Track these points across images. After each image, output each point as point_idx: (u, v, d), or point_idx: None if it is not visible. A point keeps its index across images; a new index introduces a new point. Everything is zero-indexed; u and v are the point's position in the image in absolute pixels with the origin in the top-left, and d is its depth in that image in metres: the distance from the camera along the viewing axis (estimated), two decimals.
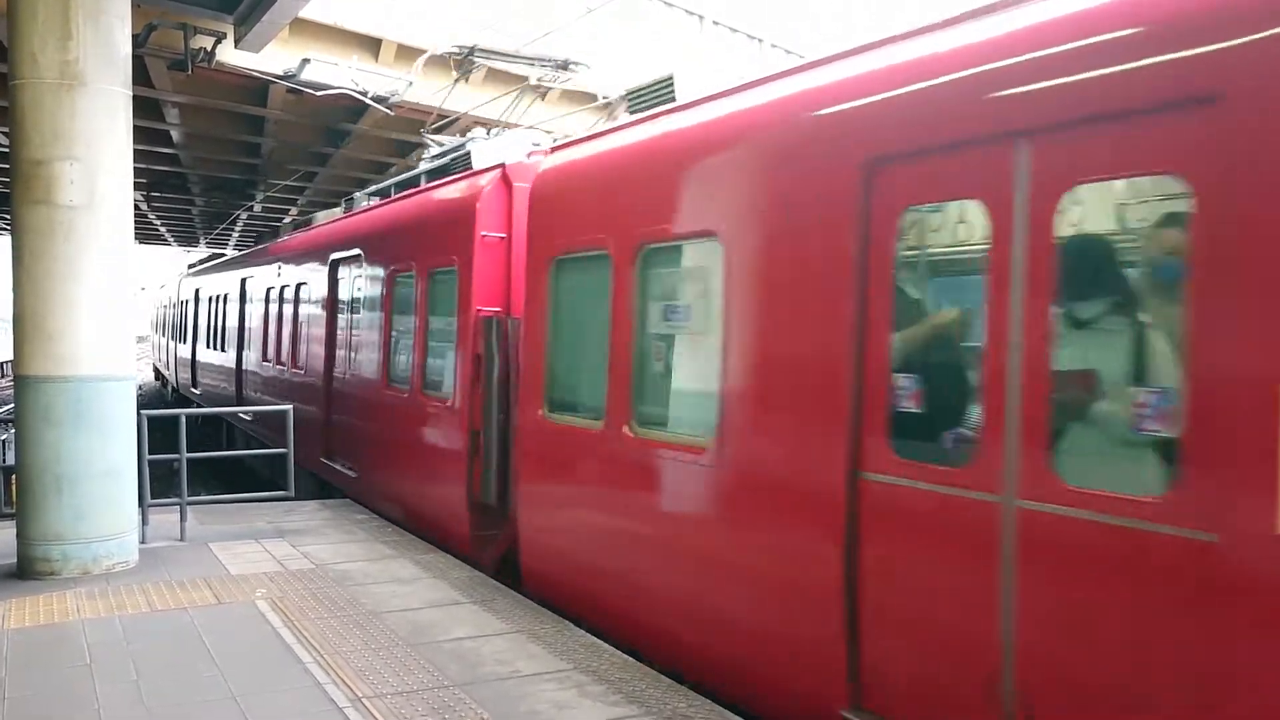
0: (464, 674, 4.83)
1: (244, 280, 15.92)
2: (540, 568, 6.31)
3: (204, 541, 7.71)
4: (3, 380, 37.22)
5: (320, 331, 11.05)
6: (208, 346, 19.44)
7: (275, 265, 13.85)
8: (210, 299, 19.52)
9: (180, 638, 5.34)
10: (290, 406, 9.12)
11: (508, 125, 14.60)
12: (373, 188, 11.67)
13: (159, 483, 8.45)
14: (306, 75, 13.39)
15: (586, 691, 4.62)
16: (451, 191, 8.17)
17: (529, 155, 7.58)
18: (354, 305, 10.18)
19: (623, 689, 4.65)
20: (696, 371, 5.07)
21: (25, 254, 6.53)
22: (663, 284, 5.34)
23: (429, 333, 8.18)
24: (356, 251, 10.09)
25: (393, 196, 10.18)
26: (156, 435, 7.92)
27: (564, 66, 10.02)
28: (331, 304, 10.83)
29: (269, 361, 13.75)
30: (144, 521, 7.58)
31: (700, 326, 5.02)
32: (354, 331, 10.08)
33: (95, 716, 4.29)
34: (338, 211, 13.17)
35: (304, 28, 13.19)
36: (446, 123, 16.72)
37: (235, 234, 35.14)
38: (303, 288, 12.16)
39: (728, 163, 4.83)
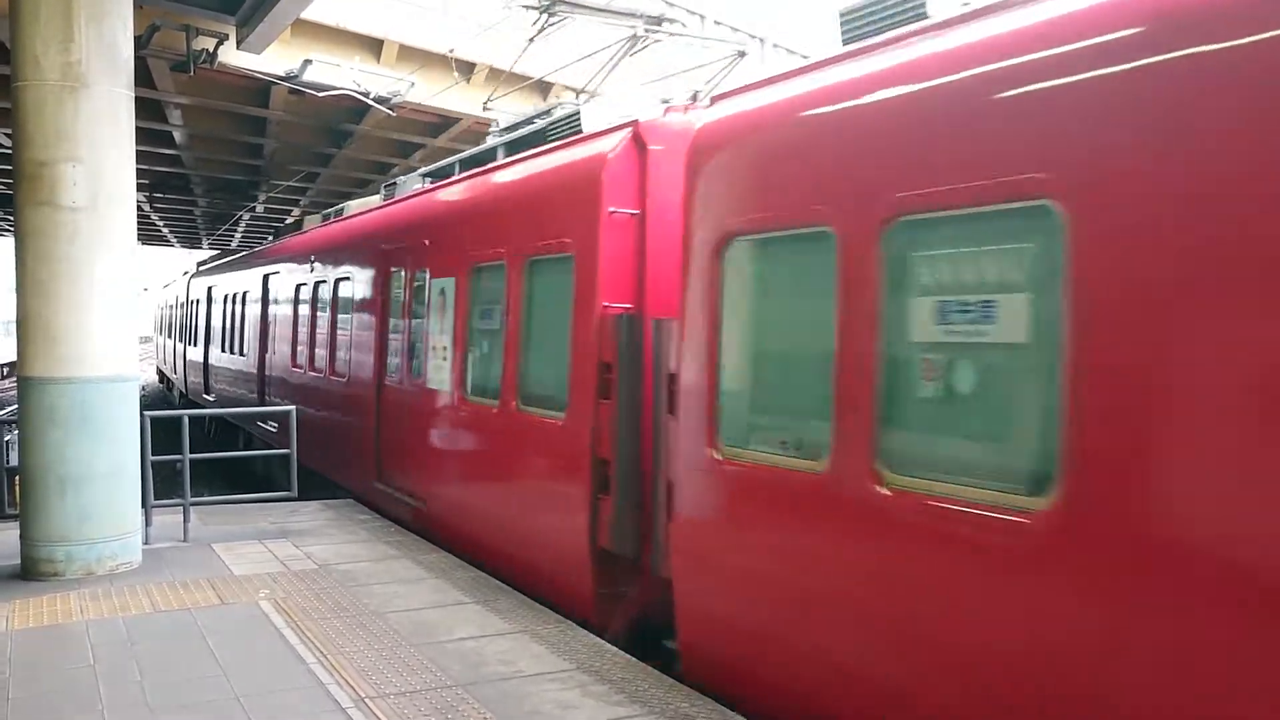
0: (467, 674, 4.83)
1: (267, 277, 14.44)
2: (713, 652, 4.79)
3: (207, 542, 7.72)
4: (7, 382, 37.28)
5: (368, 335, 9.56)
6: (223, 350, 17.68)
7: (307, 260, 12.36)
8: (226, 298, 17.77)
9: (184, 638, 5.35)
10: (293, 407, 9.10)
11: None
12: (425, 169, 10.32)
13: (164, 484, 8.47)
14: (308, 76, 13.42)
15: (589, 691, 4.62)
16: (560, 160, 6.60)
17: (665, 112, 6.07)
18: (415, 303, 8.61)
19: (625, 689, 4.65)
20: (1015, 400, 3.55)
21: (29, 255, 6.55)
22: (937, 271, 3.81)
23: (527, 335, 6.69)
24: (422, 240, 8.50)
25: (459, 175, 8.63)
26: (161, 436, 7.92)
27: (658, 22, 9.01)
28: (382, 302, 9.32)
29: (299, 367, 12.20)
30: (147, 522, 7.59)
31: (1018, 332, 3.45)
32: (415, 333, 8.56)
33: (99, 717, 4.30)
34: (374, 199, 11.94)
35: (306, 29, 13.23)
36: (449, 124, 16.77)
37: (238, 234, 35.23)
38: (344, 284, 10.64)
39: (1079, 89, 3.20)
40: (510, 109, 10.35)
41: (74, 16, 6.43)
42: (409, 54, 14.26)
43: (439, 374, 7.88)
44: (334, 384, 10.66)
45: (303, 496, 9.19)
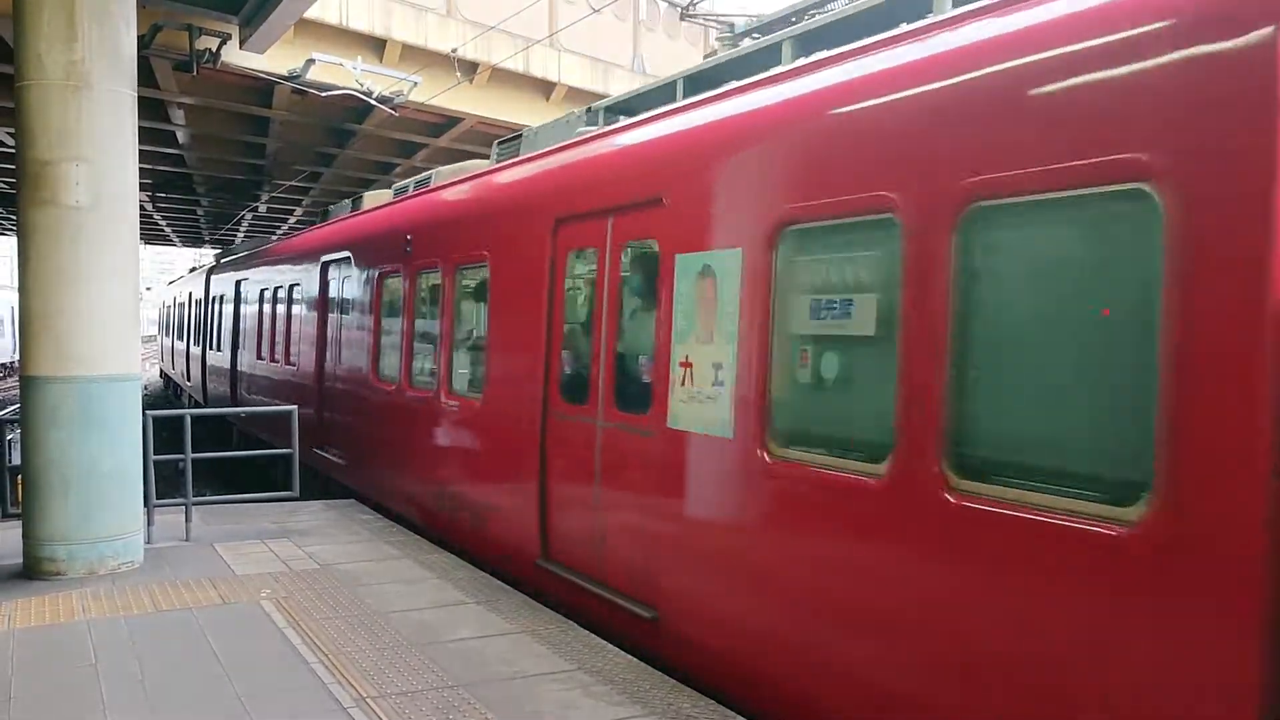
0: (468, 674, 4.83)
1: (328, 266, 11.47)
2: None
3: (209, 542, 7.72)
4: (9, 381, 37.33)
5: (521, 344, 6.75)
6: (259, 356, 14.58)
7: (398, 243, 9.23)
8: (264, 294, 14.61)
9: (185, 638, 5.35)
10: (294, 408, 9.06)
11: (509, 127, 14.62)
12: (599, 103, 7.35)
13: (165, 483, 8.48)
14: (311, 76, 13.45)
15: (590, 691, 4.62)
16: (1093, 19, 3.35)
17: None
18: (626, 295, 5.86)
19: (627, 689, 4.65)
20: None
21: (32, 255, 6.56)
22: None
23: (985, 345, 3.67)
24: (652, 196, 5.51)
25: (691, 99, 5.79)
26: (163, 435, 7.92)
27: None
28: (550, 295, 6.47)
29: (386, 383, 9.29)
30: (149, 522, 7.59)
31: None
32: (626, 342, 5.86)
33: (101, 717, 4.31)
34: (475, 164, 9.30)
35: (308, 28, 13.27)
36: (452, 123, 16.78)
37: (240, 234, 35.27)
38: (469, 273, 7.84)
39: None
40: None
41: (77, 16, 6.43)
42: (411, 53, 14.29)
43: (698, 410, 4.97)
44: (448, 410, 7.91)
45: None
